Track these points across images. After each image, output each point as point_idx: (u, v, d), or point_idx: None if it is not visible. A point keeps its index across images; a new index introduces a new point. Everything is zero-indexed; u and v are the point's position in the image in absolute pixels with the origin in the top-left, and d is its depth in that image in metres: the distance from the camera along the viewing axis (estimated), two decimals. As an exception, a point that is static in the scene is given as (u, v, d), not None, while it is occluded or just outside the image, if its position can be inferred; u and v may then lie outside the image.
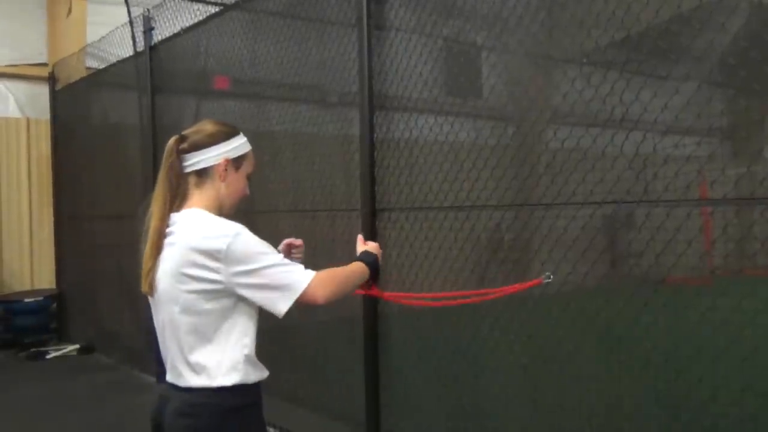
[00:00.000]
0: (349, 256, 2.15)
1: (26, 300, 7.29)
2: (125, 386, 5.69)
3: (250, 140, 1.99)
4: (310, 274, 1.83)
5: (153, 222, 1.84)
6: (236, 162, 1.93)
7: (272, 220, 4.42)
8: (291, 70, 4.15)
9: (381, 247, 2.19)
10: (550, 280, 2.36)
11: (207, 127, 1.93)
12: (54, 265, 7.88)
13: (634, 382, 2.61)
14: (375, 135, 3.49)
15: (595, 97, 2.54)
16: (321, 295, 1.82)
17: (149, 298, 1.90)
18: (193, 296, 1.77)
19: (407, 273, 3.37)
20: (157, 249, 1.82)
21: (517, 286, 2.46)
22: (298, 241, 2.25)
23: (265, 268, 1.77)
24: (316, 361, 4.10)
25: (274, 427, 4.27)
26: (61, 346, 7.09)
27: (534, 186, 2.82)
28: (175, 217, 1.84)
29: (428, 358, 3.37)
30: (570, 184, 2.62)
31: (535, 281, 2.39)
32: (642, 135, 2.43)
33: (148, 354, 4.84)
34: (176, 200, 1.86)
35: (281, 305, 1.79)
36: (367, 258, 2.07)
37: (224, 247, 1.73)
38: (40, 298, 7.38)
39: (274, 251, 1.84)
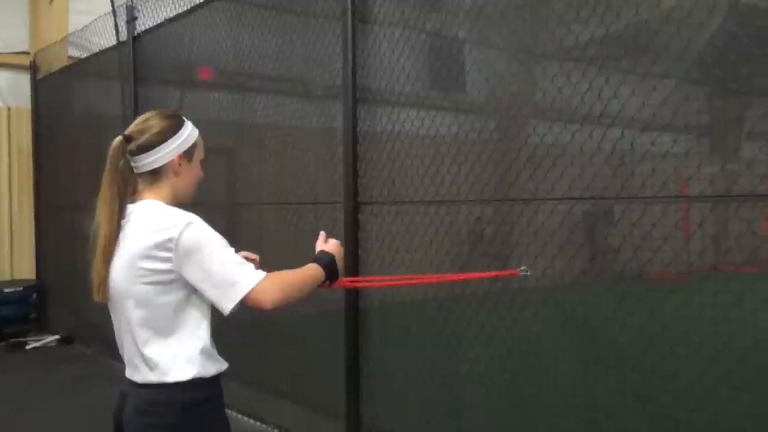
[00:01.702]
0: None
1: (6, 290, 7.23)
2: (104, 377, 5.65)
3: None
4: (259, 275, 1.74)
5: (102, 229, 1.78)
6: (188, 154, 1.88)
7: (255, 212, 4.42)
8: (275, 62, 4.15)
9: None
10: (527, 274, 2.39)
11: (152, 123, 1.84)
12: (34, 255, 7.81)
13: (610, 375, 2.64)
14: (358, 128, 3.50)
15: (574, 93, 2.56)
16: (267, 299, 1.72)
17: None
18: (147, 288, 1.74)
19: (389, 266, 3.39)
20: (108, 256, 1.78)
21: (490, 273, 2.50)
22: (253, 256, 2.11)
23: (212, 261, 1.72)
24: (297, 353, 4.11)
25: (255, 418, 4.28)
26: (41, 337, 7.05)
27: (514, 181, 2.84)
28: (131, 208, 1.81)
29: (409, 351, 3.39)
30: (549, 179, 2.64)
31: (512, 271, 2.42)
32: (620, 132, 2.46)
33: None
34: (126, 200, 1.81)
35: (224, 303, 1.72)
36: (322, 259, 1.96)
37: (175, 235, 1.70)
38: (20, 289, 7.32)
39: (227, 245, 1.77)
